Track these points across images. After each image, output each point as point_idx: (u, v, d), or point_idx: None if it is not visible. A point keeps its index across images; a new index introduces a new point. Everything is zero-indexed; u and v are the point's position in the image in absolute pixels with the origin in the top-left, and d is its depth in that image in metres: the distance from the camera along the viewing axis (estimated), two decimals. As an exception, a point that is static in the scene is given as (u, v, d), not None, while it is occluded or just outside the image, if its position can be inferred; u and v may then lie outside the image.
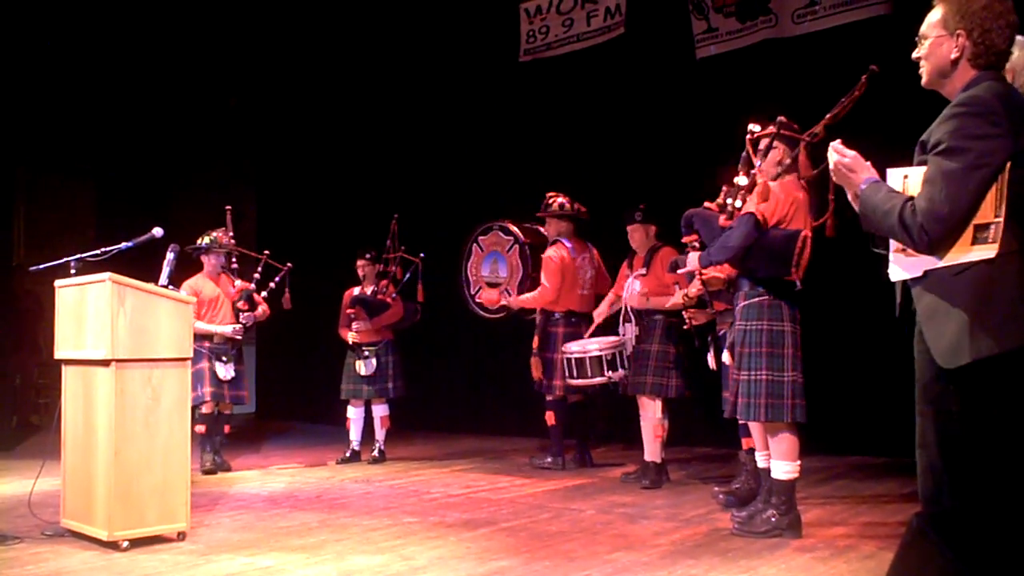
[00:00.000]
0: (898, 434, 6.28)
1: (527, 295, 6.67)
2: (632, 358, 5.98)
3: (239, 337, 6.65)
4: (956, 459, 2.28)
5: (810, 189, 4.41)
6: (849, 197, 2.59)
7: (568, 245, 6.55)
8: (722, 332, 5.37)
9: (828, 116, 4.14)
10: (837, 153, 2.57)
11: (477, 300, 7.28)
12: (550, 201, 6.67)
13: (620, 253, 6.42)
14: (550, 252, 6.54)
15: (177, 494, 4.39)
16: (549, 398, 6.62)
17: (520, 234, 7.01)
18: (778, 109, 4.52)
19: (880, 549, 4.04)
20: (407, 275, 7.23)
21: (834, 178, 2.62)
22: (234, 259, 6.88)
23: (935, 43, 2.49)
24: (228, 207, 7.04)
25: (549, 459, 6.65)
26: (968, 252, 2.32)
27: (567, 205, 6.63)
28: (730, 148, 5.16)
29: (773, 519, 4.32)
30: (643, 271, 6.01)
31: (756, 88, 6.93)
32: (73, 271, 4.66)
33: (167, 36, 10.25)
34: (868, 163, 2.55)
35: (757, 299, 4.36)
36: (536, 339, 6.60)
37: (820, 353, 4.51)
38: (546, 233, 6.77)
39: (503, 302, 6.82)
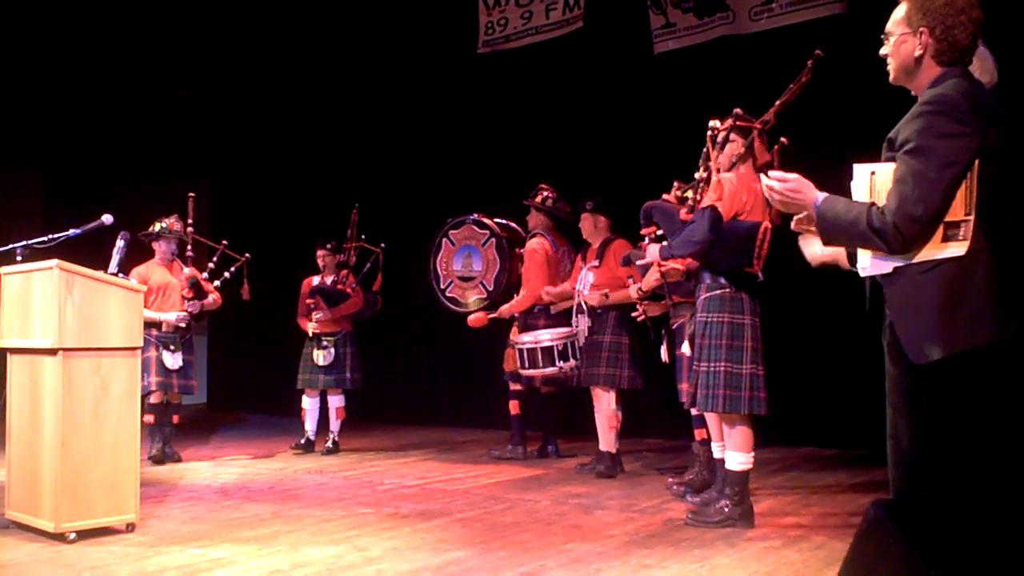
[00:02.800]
0: (848, 427, 6.46)
1: (516, 300, 6.59)
2: (585, 349, 6.00)
3: (183, 325, 6.55)
4: (927, 452, 2.31)
5: None
6: (800, 220, 2.59)
7: (548, 238, 6.55)
8: (676, 324, 5.41)
9: (778, 103, 4.20)
10: (778, 182, 2.52)
11: (449, 295, 7.17)
12: (537, 192, 6.66)
13: (575, 246, 6.44)
14: (532, 244, 6.50)
15: (126, 485, 4.31)
16: (516, 388, 6.61)
17: (495, 227, 6.96)
18: (735, 105, 4.57)
19: (830, 539, 4.10)
20: (368, 265, 7.18)
21: (781, 208, 2.61)
22: (189, 247, 6.77)
23: (899, 41, 2.51)
24: (191, 195, 6.92)
25: (509, 447, 6.66)
26: (939, 250, 2.33)
27: (550, 201, 6.63)
28: (687, 142, 5.21)
29: (726, 509, 4.36)
30: (596, 263, 6.04)
31: (713, 84, 6.99)
32: (19, 258, 4.54)
33: (118, 23, 10.06)
34: (810, 182, 2.55)
35: (719, 291, 4.39)
36: (515, 330, 6.56)
37: (772, 346, 4.55)
38: (527, 221, 6.74)
39: (491, 316, 6.72)
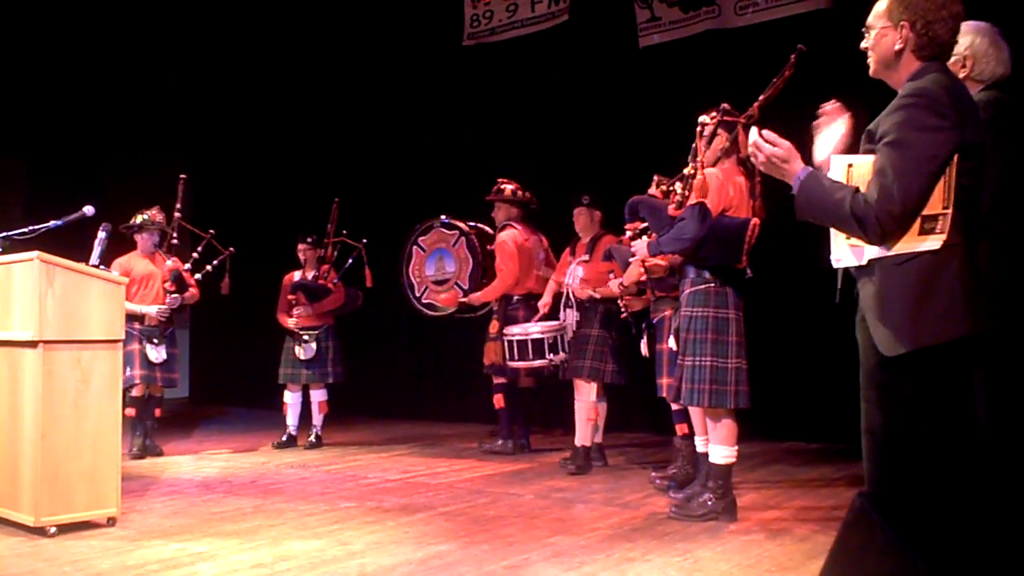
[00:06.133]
0: (831, 421, 6.47)
1: (487, 288, 6.57)
2: (572, 343, 6.01)
3: (163, 319, 6.50)
4: (900, 444, 2.32)
5: (750, 173, 4.46)
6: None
7: (518, 227, 6.55)
8: (656, 319, 5.41)
9: (762, 97, 4.22)
10: (768, 144, 2.53)
11: (425, 301, 7.11)
12: (501, 186, 6.66)
13: (562, 240, 6.43)
14: (503, 236, 6.51)
15: (107, 479, 4.28)
16: (500, 381, 6.60)
17: (463, 225, 6.94)
18: (720, 99, 4.58)
19: (814, 532, 4.12)
20: (349, 261, 7.15)
21: (763, 170, 2.60)
22: (174, 235, 6.71)
23: (880, 34, 2.51)
24: (183, 176, 6.87)
25: (500, 442, 6.65)
26: (915, 243, 2.33)
27: (518, 192, 6.63)
28: (672, 137, 5.20)
29: (709, 503, 4.37)
30: (586, 258, 6.04)
31: (699, 78, 6.99)
32: (-1, 249, 4.51)
33: (103, 12, 9.96)
34: (798, 154, 2.55)
35: (703, 286, 4.39)
36: (494, 323, 6.53)
37: (756, 340, 4.56)
38: (494, 217, 6.74)
39: (461, 299, 6.72)
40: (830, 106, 2.63)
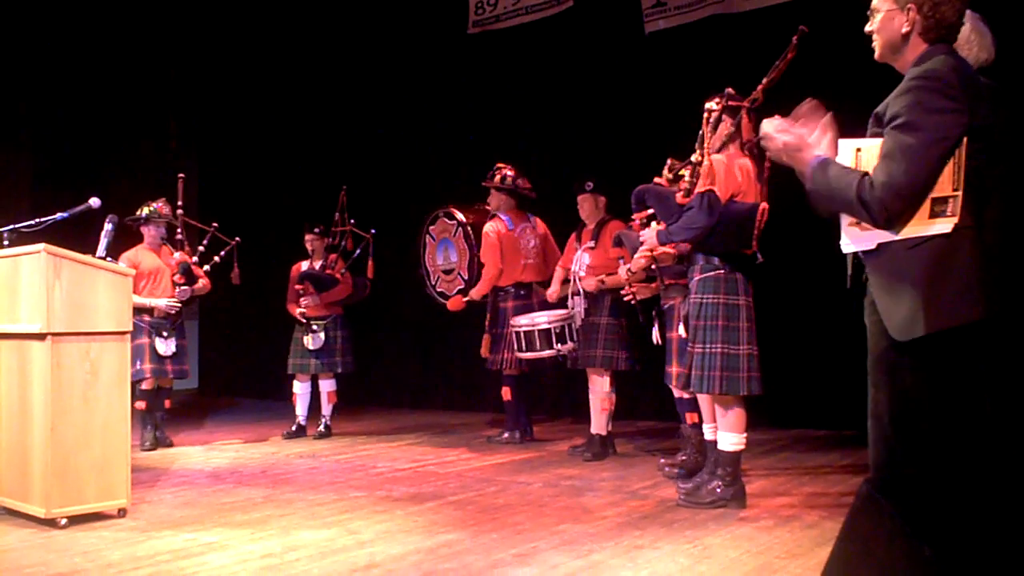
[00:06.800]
0: (839, 407, 6.47)
1: (479, 285, 6.62)
2: (581, 331, 5.99)
3: (173, 311, 6.51)
4: (907, 430, 2.30)
5: (756, 157, 4.43)
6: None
7: (504, 218, 6.56)
8: (666, 306, 5.39)
9: (765, 80, 4.19)
10: (779, 132, 2.49)
11: (439, 289, 7.19)
12: (495, 172, 6.65)
13: (570, 227, 6.41)
14: (486, 228, 6.55)
15: (117, 470, 4.30)
16: (505, 373, 6.60)
17: (462, 217, 6.97)
18: (726, 85, 4.54)
19: (822, 519, 4.11)
20: (357, 250, 7.15)
21: (775, 159, 2.57)
22: (179, 230, 6.73)
23: (886, 17, 2.48)
24: (181, 175, 6.88)
25: (506, 435, 6.64)
26: (925, 226, 2.31)
27: (509, 179, 6.61)
28: (679, 122, 5.18)
29: (718, 490, 4.37)
30: (591, 244, 6.02)
31: (705, 63, 6.96)
32: (6, 242, 4.51)
33: (106, 6, 9.96)
34: (811, 141, 2.51)
35: (713, 272, 4.37)
36: (488, 316, 6.58)
37: (763, 327, 4.54)
38: (488, 203, 6.75)
39: (466, 299, 6.77)
40: (806, 107, 2.56)
